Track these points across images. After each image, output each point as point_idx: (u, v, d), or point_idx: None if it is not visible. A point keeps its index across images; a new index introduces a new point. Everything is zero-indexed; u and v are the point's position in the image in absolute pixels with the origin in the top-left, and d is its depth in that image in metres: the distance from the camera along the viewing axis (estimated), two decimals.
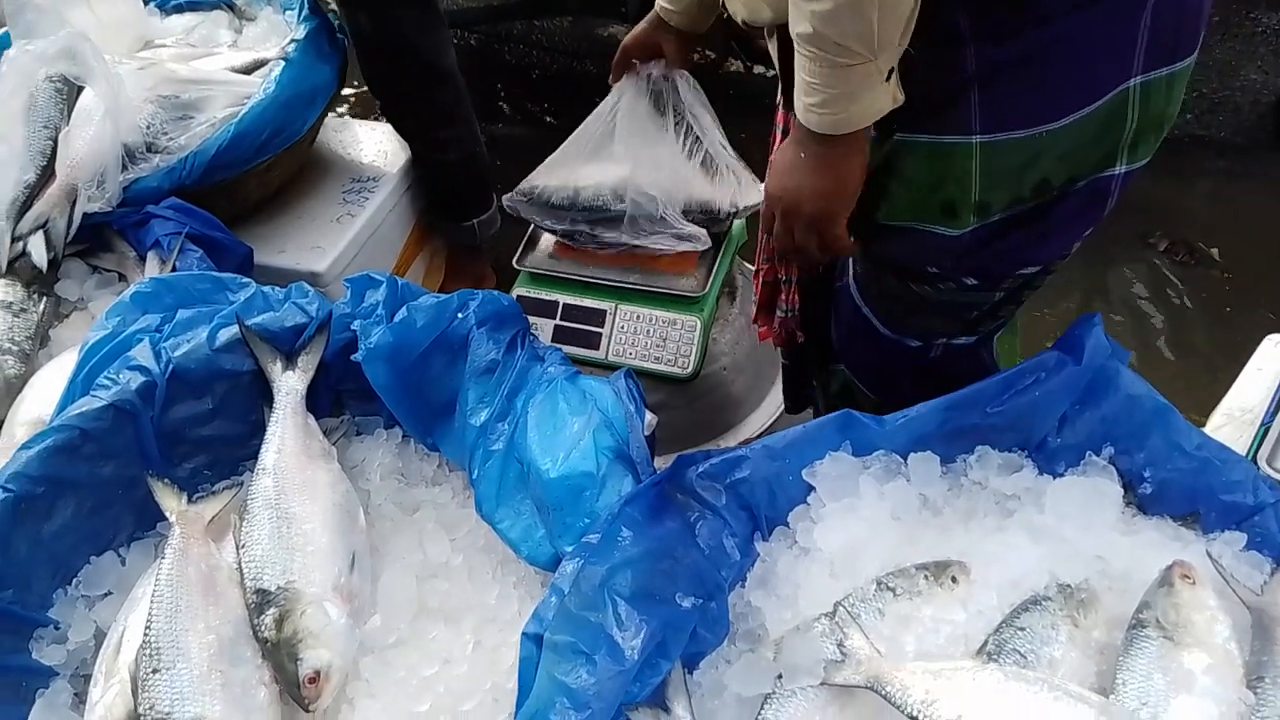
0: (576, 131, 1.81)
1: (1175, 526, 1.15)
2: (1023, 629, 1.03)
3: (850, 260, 1.40)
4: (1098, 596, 1.07)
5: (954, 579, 1.09)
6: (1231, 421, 1.54)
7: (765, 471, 1.17)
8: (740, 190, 1.78)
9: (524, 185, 1.87)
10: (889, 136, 1.16)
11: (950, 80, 1.08)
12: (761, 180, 1.39)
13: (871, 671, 0.99)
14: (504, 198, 1.88)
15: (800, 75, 1.05)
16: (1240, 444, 1.43)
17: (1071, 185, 1.14)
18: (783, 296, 1.59)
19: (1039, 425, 1.20)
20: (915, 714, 0.94)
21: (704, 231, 1.75)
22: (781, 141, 1.31)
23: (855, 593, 1.09)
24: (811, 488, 1.18)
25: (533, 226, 1.94)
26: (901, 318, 1.37)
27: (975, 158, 1.12)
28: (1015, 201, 1.15)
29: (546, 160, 1.85)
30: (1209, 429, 1.42)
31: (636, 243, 1.77)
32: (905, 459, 1.20)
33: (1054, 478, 1.19)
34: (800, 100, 1.07)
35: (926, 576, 1.09)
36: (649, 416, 1.22)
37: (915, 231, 1.21)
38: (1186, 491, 1.15)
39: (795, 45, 1.02)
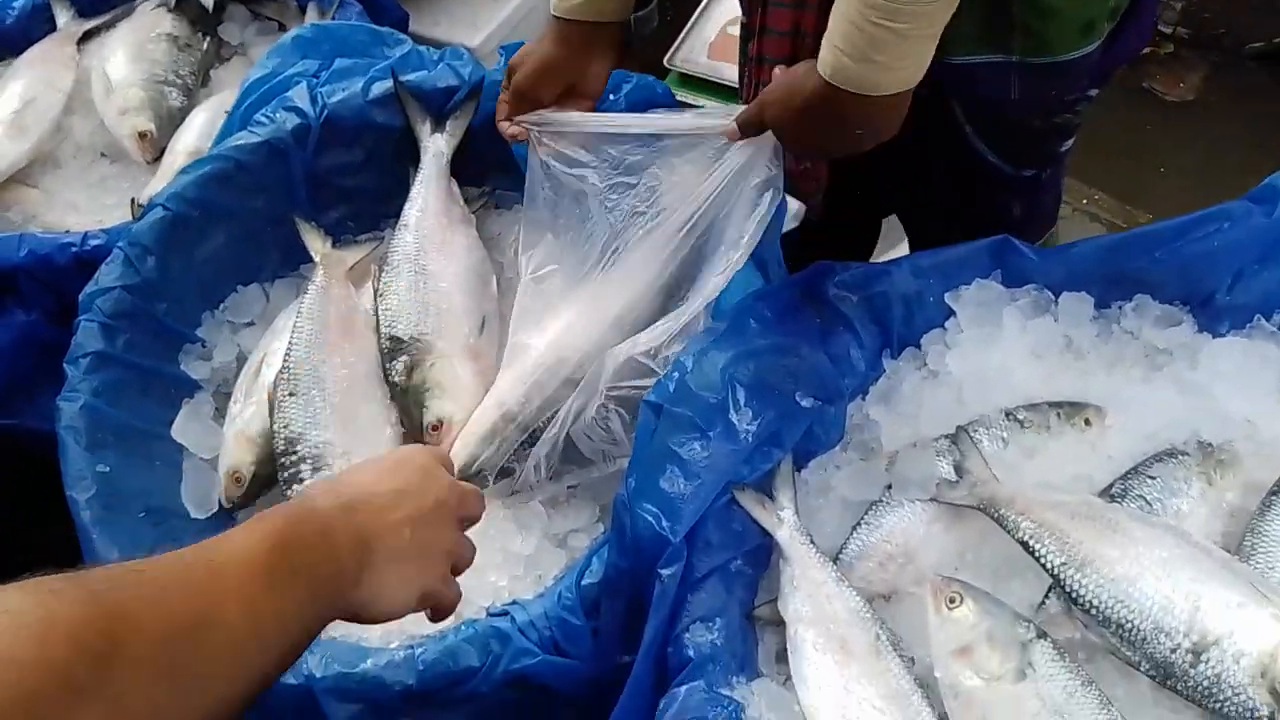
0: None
1: None
2: (1153, 478, 0.99)
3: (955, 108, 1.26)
4: (1240, 459, 1.01)
5: (1087, 421, 1.06)
6: None
7: (905, 288, 1.14)
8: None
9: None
10: None
11: None
12: None
13: (985, 494, 0.97)
14: None
15: (858, 37, 0.87)
16: None
17: None
18: None
19: (1209, 279, 1.12)
20: (1025, 539, 0.93)
21: None
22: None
23: (980, 419, 1.07)
24: (952, 312, 1.14)
25: (689, 25, 1.84)
26: (1021, 151, 1.28)
27: None
28: None
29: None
30: None
31: None
32: (1056, 297, 1.14)
33: (1214, 337, 1.11)
34: (849, 61, 0.89)
35: (1059, 414, 1.06)
36: (794, 206, 1.17)
37: (1058, 65, 1.14)
38: None
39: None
